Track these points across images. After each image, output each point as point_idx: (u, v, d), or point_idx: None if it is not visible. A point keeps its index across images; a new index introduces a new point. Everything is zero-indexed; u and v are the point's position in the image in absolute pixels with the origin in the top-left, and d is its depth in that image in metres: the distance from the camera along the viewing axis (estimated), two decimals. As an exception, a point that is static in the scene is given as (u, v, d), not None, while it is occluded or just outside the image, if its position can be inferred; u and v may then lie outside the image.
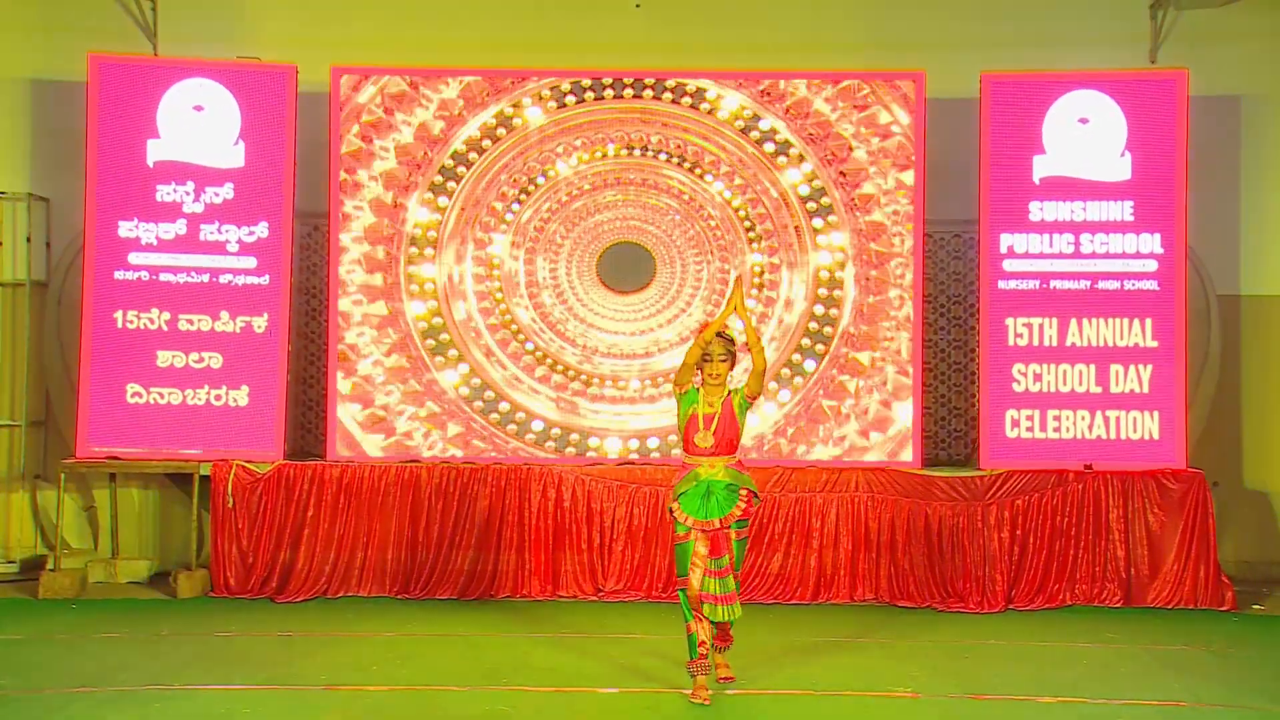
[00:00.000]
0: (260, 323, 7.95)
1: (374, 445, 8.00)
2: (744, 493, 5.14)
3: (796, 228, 8.12)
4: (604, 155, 8.17)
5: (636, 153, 8.17)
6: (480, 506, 7.66)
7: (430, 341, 8.08)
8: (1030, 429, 7.82)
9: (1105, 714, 4.94)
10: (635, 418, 8.11)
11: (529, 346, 8.13)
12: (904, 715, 4.87)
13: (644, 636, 6.16)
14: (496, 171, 8.18)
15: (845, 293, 8.06)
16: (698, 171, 8.15)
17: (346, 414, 8.00)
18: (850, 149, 8.08)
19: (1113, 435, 7.77)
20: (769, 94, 8.11)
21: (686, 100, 8.12)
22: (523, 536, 7.64)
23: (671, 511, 5.16)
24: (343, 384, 8.02)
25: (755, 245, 8.12)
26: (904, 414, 7.96)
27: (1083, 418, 7.81)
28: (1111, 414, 7.79)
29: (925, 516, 7.58)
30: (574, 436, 8.06)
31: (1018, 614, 7.29)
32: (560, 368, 8.14)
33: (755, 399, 5.30)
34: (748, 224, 8.14)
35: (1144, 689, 5.39)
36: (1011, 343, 7.88)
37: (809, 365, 8.05)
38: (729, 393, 5.24)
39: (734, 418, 5.20)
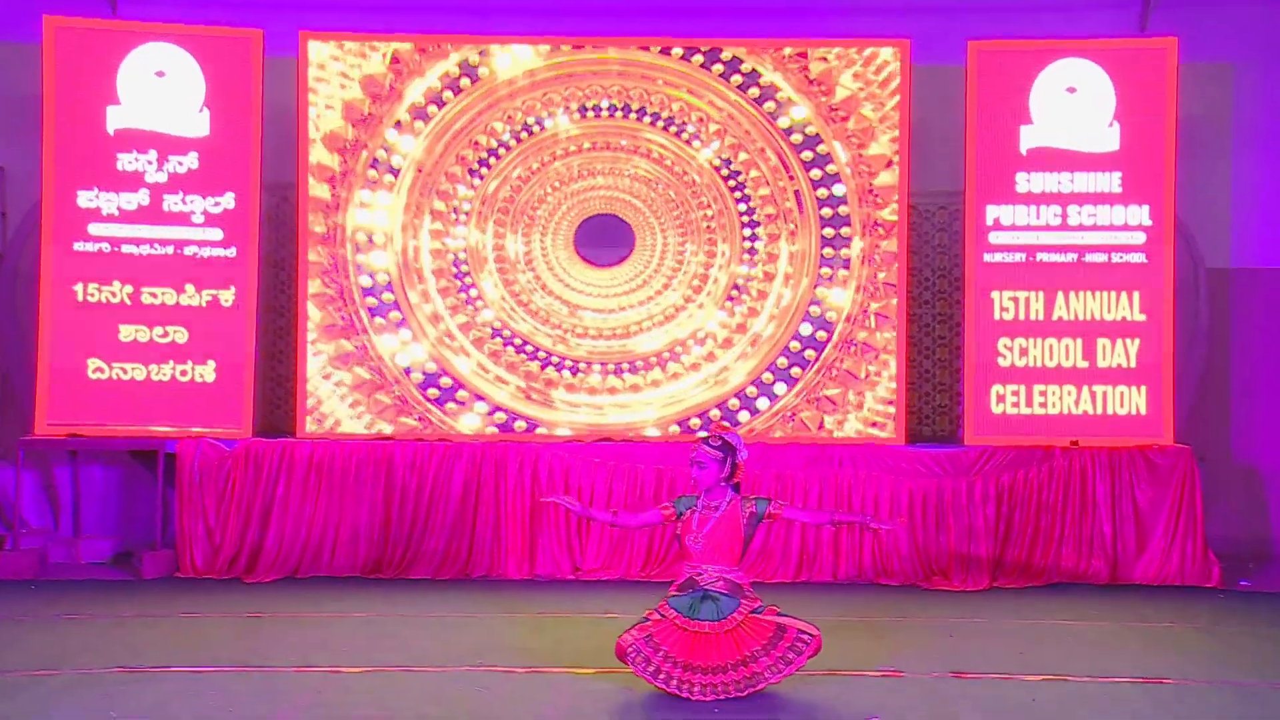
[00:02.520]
0: (227, 296, 7.88)
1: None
2: (746, 599, 4.85)
3: (797, 191, 8.08)
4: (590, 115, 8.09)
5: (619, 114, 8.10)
6: (455, 484, 7.65)
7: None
8: (1016, 404, 7.86)
9: (1090, 692, 4.98)
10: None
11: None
12: (887, 694, 4.90)
13: (622, 616, 6.15)
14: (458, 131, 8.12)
15: (851, 272, 8.07)
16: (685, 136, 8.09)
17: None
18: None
19: (1099, 410, 7.82)
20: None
21: (676, 52, 8.08)
22: (499, 515, 7.64)
23: (659, 612, 4.87)
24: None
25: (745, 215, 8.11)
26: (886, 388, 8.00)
27: (1069, 392, 7.84)
28: (1098, 389, 7.83)
29: (909, 493, 7.61)
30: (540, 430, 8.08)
31: (1002, 591, 7.34)
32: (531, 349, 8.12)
33: (774, 520, 5.01)
34: (737, 193, 8.10)
35: (1129, 666, 5.44)
36: (997, 316, 7.90)
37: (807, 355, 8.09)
38: (739, 500, 4.97)
39: (736, 526, 4.90)
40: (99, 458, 8.23)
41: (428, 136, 8.10)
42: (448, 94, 8.10)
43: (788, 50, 8.04)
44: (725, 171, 8.11)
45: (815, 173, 8.07)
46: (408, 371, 8.03)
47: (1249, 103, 8.51)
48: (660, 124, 8.10)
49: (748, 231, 8.10)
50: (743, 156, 8.09)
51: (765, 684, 4.74)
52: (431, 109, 8.09)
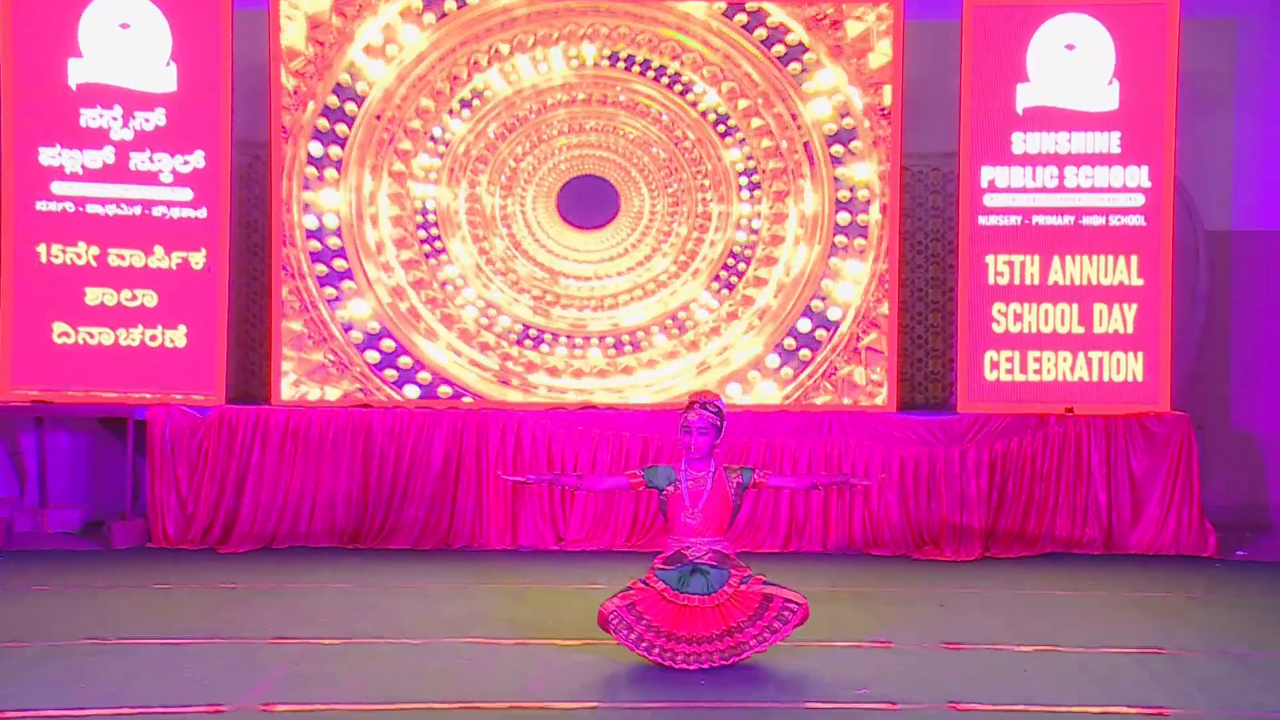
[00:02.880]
0: (198, 259, 7.81)
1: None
2: (736, 570, 4.88)
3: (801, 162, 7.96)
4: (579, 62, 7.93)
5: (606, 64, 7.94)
6: (435, 452, 7.64)
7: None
8: (1010, 371, 7.88)
9: (1083, 662, 5.03)
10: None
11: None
12: (876, 665, 4.94)
13: (607, 587, 6.17)
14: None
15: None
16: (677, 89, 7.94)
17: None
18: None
19: (1095, 377, 7.84)
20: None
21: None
22: (480, 484, 7.64)
23: (644, 581, 4.88)
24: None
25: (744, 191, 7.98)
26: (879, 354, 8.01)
27: (1064, 359, 7.86)
28: (1094, 355, 7.85)
29: (900, 461, 7.63)
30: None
31: (995, 561, 7.38)
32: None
33: (759, 489, 5.07)
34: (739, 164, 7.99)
35: (1123, 637, 5.49)
36: (992, 281, 7.90)
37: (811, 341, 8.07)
38: (723, 470, 4.98)
39: (726, 499, 4.94)
40: (66, 425, 8.17)
41: (399, 64, 7.88)
42: (429, 16, 7.90)
43: (830, 11, 7.89)
44: (730, 140, 7.96)
45: (837, 148, 7.94)
46: (347, 328, 7.90)
47: (1251, 60, 8.49)
48: (665, 80, 7.92)
49: (748, 210, 7.99)
50: (756, 123, 7.94)
51: (750, 653, 4.76)
52: (409, 30, 7.89)
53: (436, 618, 5.75)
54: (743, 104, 7.96)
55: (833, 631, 5.37)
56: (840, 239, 7.96)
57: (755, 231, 7.99)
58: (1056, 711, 4.29)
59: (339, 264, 7.93)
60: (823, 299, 7.97)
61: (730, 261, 8.00)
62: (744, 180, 8.01)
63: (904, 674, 4.80)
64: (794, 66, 7.94)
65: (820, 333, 7.96)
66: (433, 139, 7.97)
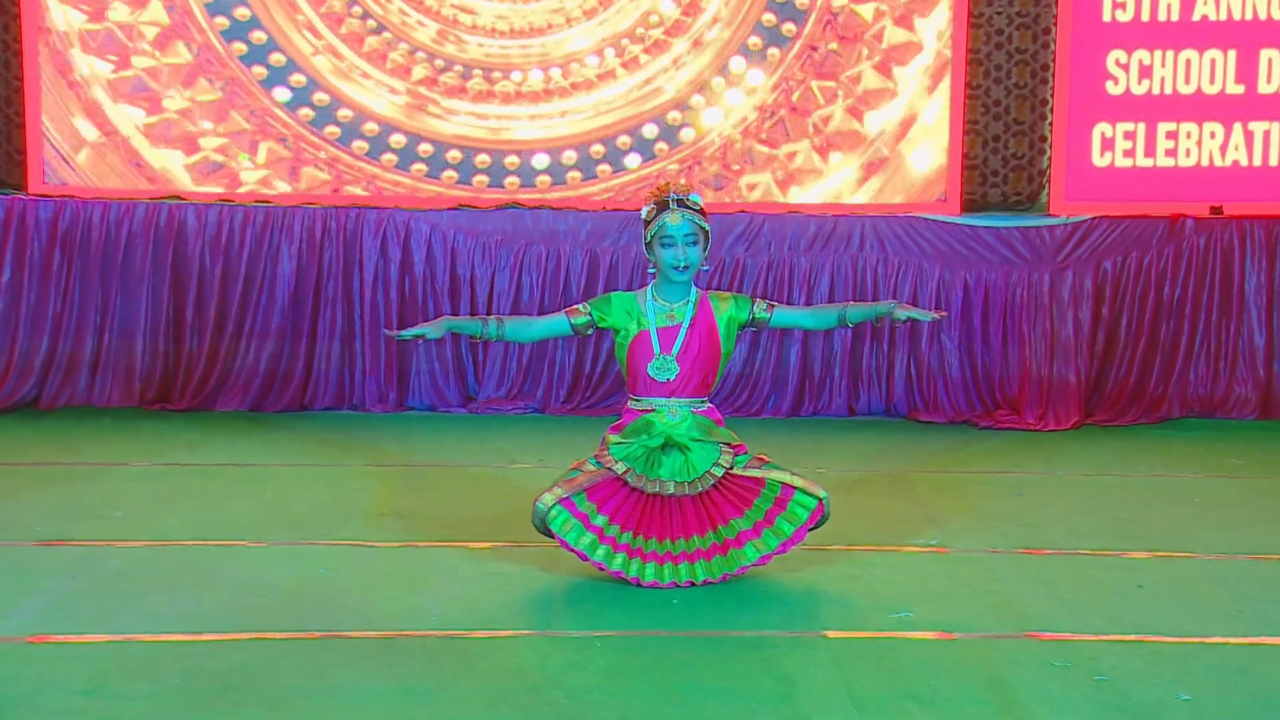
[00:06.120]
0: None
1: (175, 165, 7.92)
2: (726, 446, 4.85)
3: None
4: None
5: None
6: (283, 269, 7.61)
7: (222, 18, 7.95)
8: (1130, 153, 7.88)
9: (1223, 574, 5.08)
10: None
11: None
12: (925, 579, 4.98)
13: (538, 470, 6.22)
14: None
15: None
16: None
17: (127, 123, 7.83)
18: None
19: (1257, 161, 7.86)
20: None
21: None
22: (350, 319, 7.66)
23: (595, 461, 4.83)
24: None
25: None
26: (935, 135, 7.90)
27: (1212, 134, 7.85)
28: (1257, 127, 7.84)
29: (965, 288, 7.70)
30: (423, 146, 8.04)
31: (1099, 431, 7.51)
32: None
33: (759, 327, 5.01)
34: None
35: (1278, 538, 5.56)
36: (1108, 18, 7.86)
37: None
38: (708, 301, 4.90)
39: (714, 342, 4.90)
40: None
41: None
42: None
43: None
44: None
45: None
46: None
47: None
48: None
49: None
50: None
51: (747, 566, 4.79)
52: None
53: (288, 511, 5.75)
54: None
55: (863, 533, 5.41)
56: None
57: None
58: (1182, 643, 4.33)
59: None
60: None
61: None
62: None
63: (964, 592, 4.84)
64: None
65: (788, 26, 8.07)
66: None
